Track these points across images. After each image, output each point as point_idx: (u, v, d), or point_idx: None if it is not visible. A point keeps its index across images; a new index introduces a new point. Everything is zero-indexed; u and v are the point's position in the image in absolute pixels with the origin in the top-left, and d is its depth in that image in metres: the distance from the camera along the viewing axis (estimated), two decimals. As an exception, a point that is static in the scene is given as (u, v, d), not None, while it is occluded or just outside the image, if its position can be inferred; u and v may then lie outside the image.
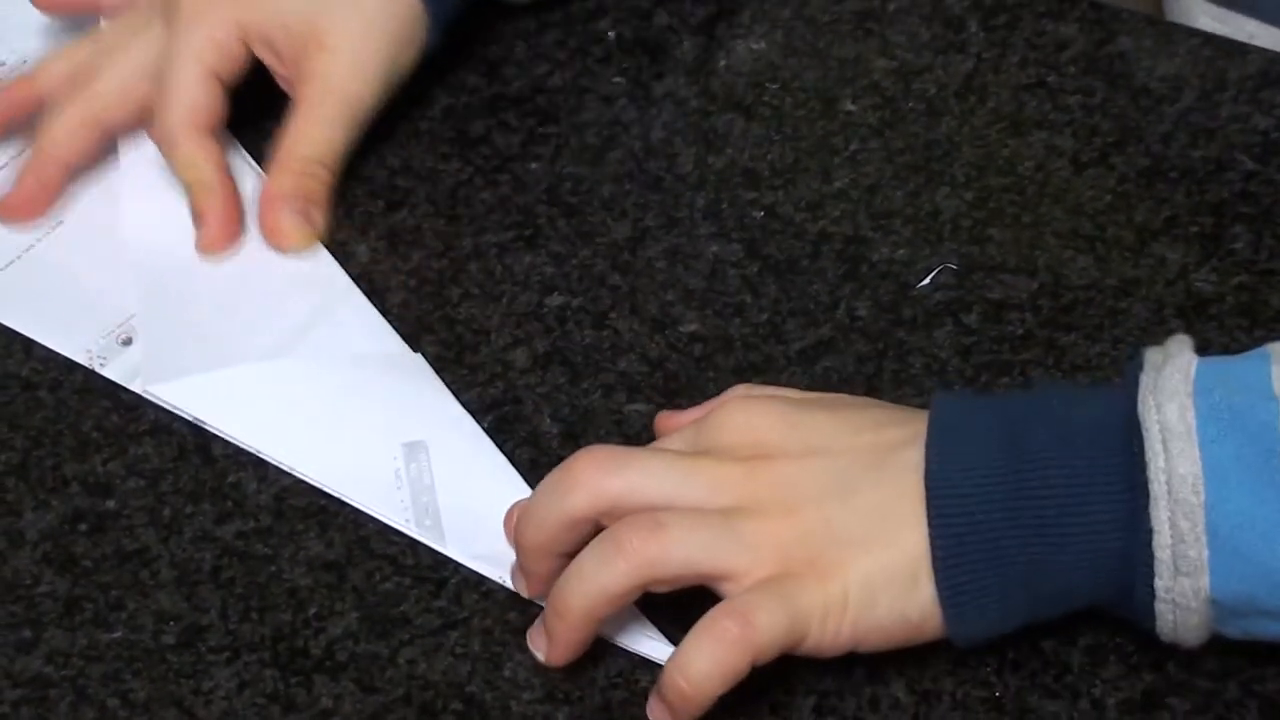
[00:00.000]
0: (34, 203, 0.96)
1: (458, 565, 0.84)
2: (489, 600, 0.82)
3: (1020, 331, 0.89)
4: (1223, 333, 0.88)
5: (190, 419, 0.88)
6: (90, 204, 0.97)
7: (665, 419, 0.86)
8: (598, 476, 0.78)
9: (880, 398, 0.87)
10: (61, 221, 0.96)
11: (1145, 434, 0.74)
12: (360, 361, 0.90)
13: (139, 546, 0.84)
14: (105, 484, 0.86)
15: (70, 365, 0.91)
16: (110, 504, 0.86)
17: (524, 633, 0.81)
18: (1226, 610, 0.75)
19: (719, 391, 0.86)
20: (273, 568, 0.83)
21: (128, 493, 0.86)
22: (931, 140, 0.98)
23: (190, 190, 0.95)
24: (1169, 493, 0.74)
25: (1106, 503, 0.75)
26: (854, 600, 0.76)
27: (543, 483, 0.80)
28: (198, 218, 0.95)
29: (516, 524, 0.80)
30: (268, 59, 0.98)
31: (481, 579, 0.83)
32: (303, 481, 0.87)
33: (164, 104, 0.96)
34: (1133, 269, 0.92)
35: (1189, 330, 0.87)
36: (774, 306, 0.91)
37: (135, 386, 0.89)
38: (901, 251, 0.93)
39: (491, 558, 0.83)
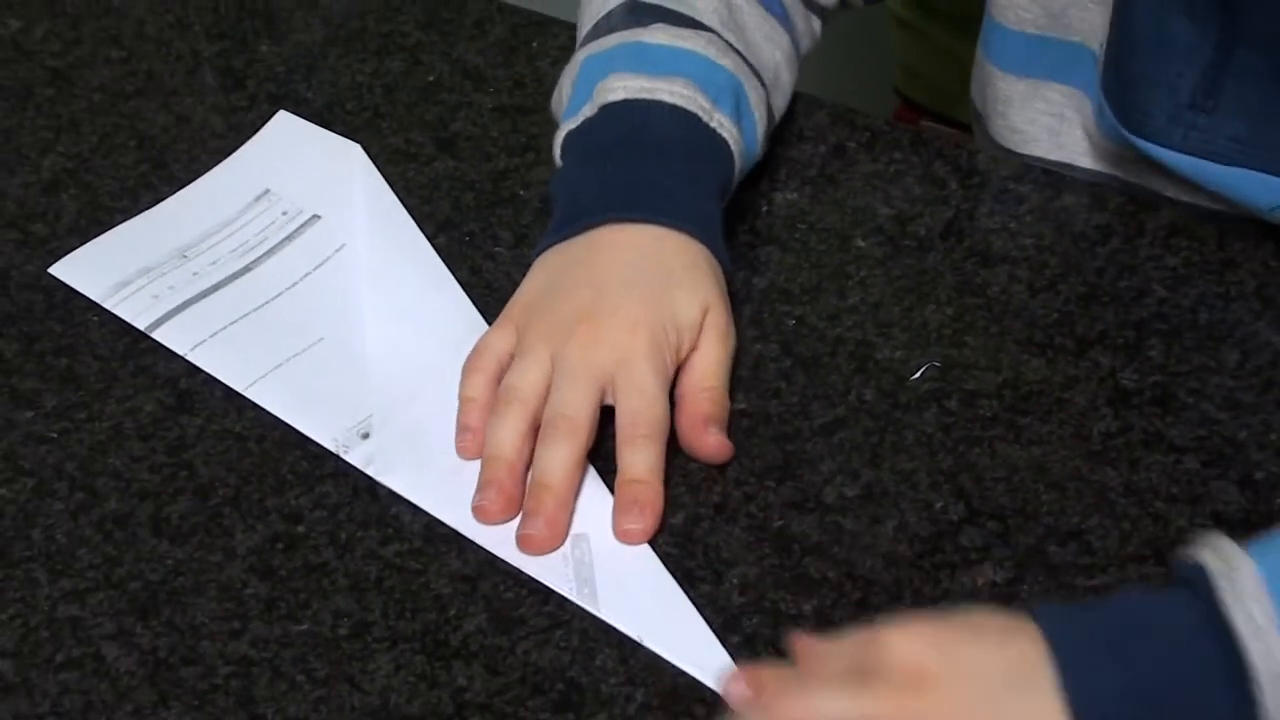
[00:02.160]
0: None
1: (562, 580, 0.84)
2: (585, 610, 0.82)
3: (989, 414, 0.89)
4: (1142, 418, 0.88)
5: (415, 504, 0.87)
6: (342, 328, 0.94)
7: (803, 643, 0.75)
8: (796, 706, 0.72)
9: (880, 463, 0.86)
10: (322, 338, 0.94)
11: (1239, 633, 0.69)
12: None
13: (321, 561, 0.84)
14: (297, 513, 0.87)
15: (271, 422, 0.90)
16: (300, 529, 0.86)
17: (612, 633, 0.81)
18: None
19: (764, 455, 0.87)
20: (422, 579, 0.83)
21: (314, 520, 0.86)
22: (922, 269, 0.97)
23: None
24: (1270, 669, 0.68)
25: (1219, 696, 0.69)
26: None
27: (737, 704, 0.74)
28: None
29: None
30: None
31: (580, 591, 0.84)
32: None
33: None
34: (1074, 369, 0.92)
35: (1115, 416, 0.89)
36: (802, 391, 0.91)
37: (370, 472, 0.88)
38: (899, 353, 0.93)
39: (635, 620, 0.82)
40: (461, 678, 0.80)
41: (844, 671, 0.72)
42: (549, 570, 0.83)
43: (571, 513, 0.85)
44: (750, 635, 0.80)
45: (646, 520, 0.84)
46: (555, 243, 0.90)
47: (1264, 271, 0.97)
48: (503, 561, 0.84)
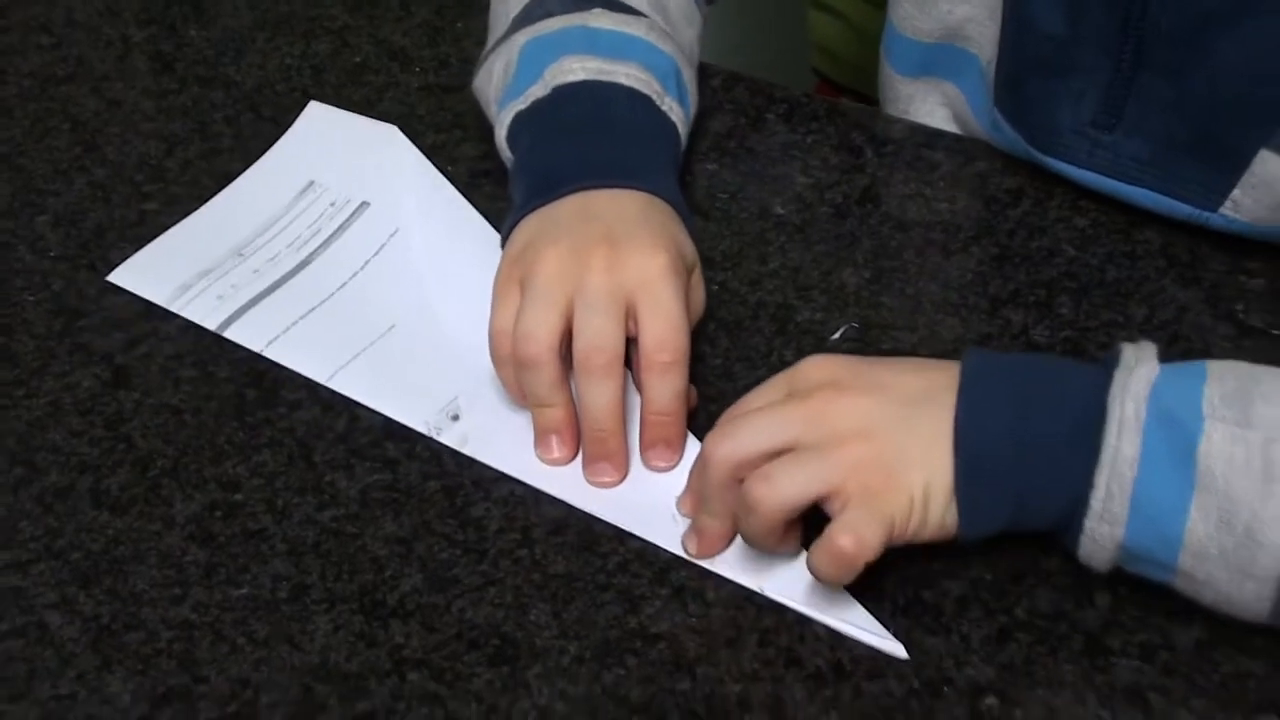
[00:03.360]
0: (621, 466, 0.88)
1: (497, 539, 0.85)
2: (518, 566, 0.83)
3: None
4: None
5: (500, 473, 0.88)
6: (411, 313, 0.95)
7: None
8: (724, 447, 0.79)
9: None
10: (394, 325, 0.94)
11: (1107, 419, 0.77)
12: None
13: (259, 527, 0.85)
14: (234, 482, 0.87)
15: (207, 394, 0.91)
16: (238, 496, 0.87)
17: (545, 589, 0.82)
18: (1128, 554, 0.78)
19: (690, 417, 0.88)
20: (359, 542, 0.84)
21: (251, 488, 0.87)
22: (839, 234, 0.99)
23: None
24: (1112, 464, 0.77)
25: (1077, 462, 0.77)
26: (917, 508, 0.78)
27: (705, 450, 0.81)
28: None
29: (689, 498, 0.84)
30: None
31: (514, 551, 0.85)
32: (381, 478, 0.87)
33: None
34: (988, 327, 0.94)
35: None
36: (725, 354, 0.93)
37: (466, 451, 0.89)
38: (819, 315, 0.94)
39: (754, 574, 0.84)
40: (399, 635, 0.81)
41: (774, 395, 0.81)
42: (660, 533, 0.85)
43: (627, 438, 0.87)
44: (679, 587, 0.82)
45: (673, 457, 0.87)
46: (536, 208, 0.91)
47: (1168, 230, 0.99)
48: (440, 521, 0.86)
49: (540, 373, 0.86)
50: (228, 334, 0.94)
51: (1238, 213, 0.95)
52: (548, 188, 0.91)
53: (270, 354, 0.93)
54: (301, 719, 0.78)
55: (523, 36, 0.97)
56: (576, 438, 0.88)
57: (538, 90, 0.95)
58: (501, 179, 1.02)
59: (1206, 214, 0.96)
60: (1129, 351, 0.80)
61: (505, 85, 0.97)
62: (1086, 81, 0.97)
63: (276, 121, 1.06)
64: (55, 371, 0.93)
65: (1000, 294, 0.96)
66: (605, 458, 0.86)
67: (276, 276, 0.97)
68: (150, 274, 0.97)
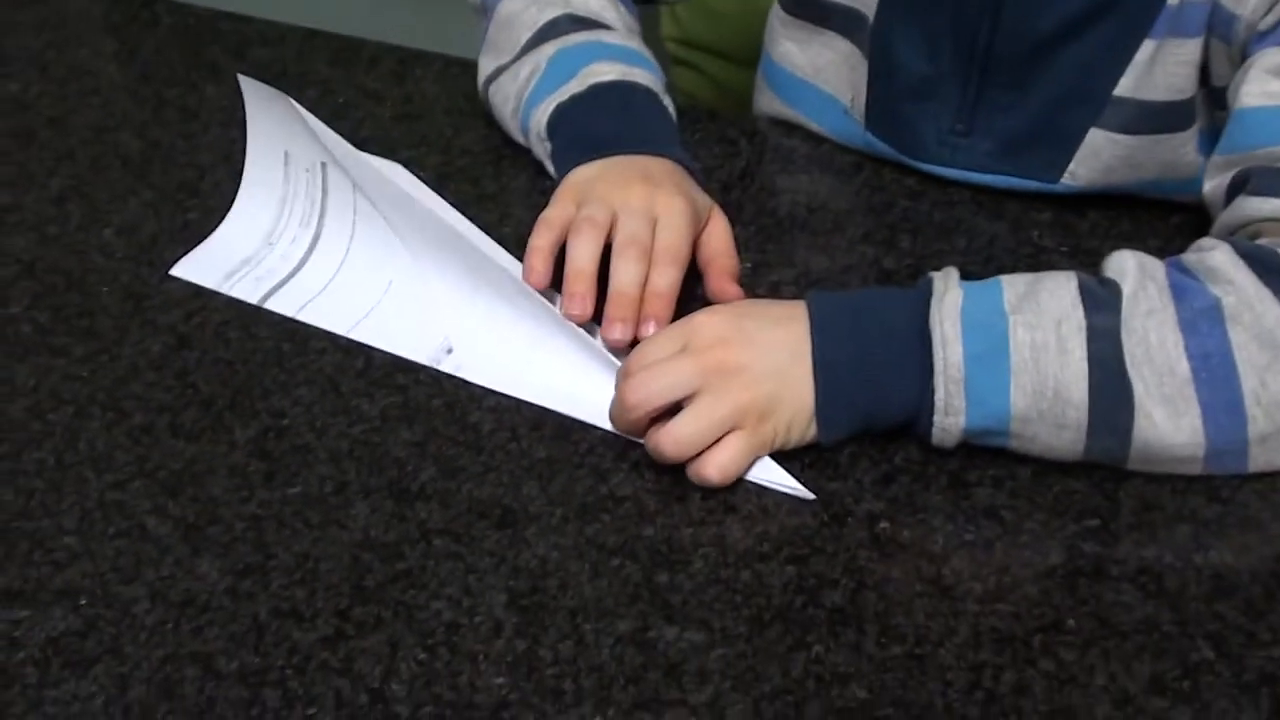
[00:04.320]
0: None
1: (491, 437, 0.85)
2: (509, 455, 0.83)
3: (789, 296, 0.90)
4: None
5: (488, 389, 0.87)
6: (401, 268, 0.93)
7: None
8: (636, 396, 0.80)
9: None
10: (391, 281, 0.93)
11: (933, 336, 0.79)
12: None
13: (304, 442, 0.85)
14: (280, 411, 0.87)
15: (252, 348, 0.90)
16: (285, 421, 0.86)
17: (533, 470, 0.82)
18: (970, 433, 0.79)
19: None
20: (383, 447, 0.84)
21: (295, 415, 0.86)
22: (727, 202, 0.98)
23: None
24: (944, 370, 0.78)
25: (913, 376, 0.79)
26: (781, 432, 0.80)
27: (612, 405, 0.82)
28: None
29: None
30: None
31: (505, 445, 0.85)
32: (395, 400, 0.87)
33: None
34: (847, 259, 0.95)
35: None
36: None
37: (462, 375, 0.88)
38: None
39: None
40: (423, 513, 0.81)
41: (667, 352, 0.81)
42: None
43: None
44: (636, 462, 0.82)
45: (657, 329, 0.86)
46: (589, 160, 0.93)
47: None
48: (445, 428, 0.85)
49: (589, 242, 0.87)
50: (268, 305, 0.93)
51: (1075, 180, 0.96)
52: (594, 150, 0.93)
53: (302, 318, 0.92)
54: (354, 579, 0.77)
55: (550, 47, 0.99)
56: (593, 300, 0.87)
57: (575, 86, 0.96)
58: (463, 178, 1.02)
59: (1050, 185, 0.97)
60: (938, 280, 0.81)
61: (534, 84, 0.98)
62: (945, 102, 0.98)
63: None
64: (131, 340, 0.92)
65: (855, 236, 0.97)
66: (622, 318, 0.86)
67: (299, 257, 0.96)
68: (204, 266, 0.96)
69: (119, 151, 1.06)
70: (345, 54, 1.14)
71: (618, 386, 0.82)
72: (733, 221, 0.97)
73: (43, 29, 1.18)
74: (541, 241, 0.89)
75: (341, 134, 1.03)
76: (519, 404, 0.86)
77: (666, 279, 0.87)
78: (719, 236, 0.91)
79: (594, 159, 0.93)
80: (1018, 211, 0.98)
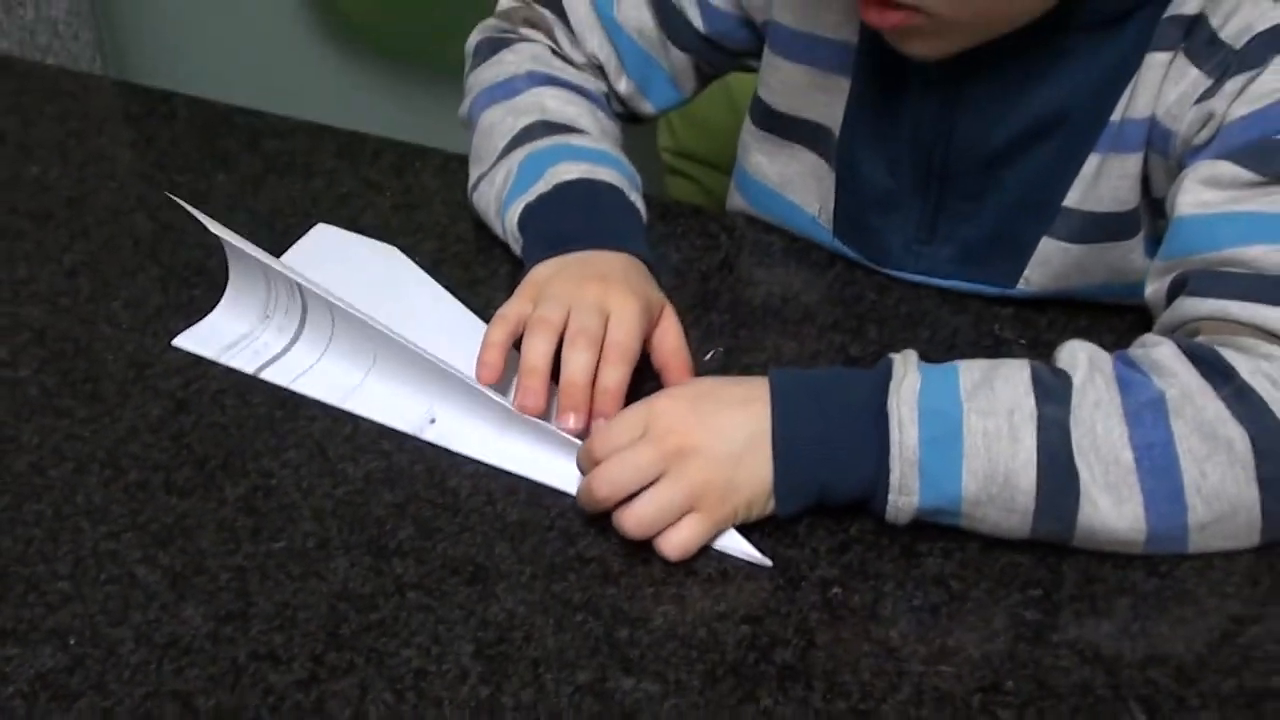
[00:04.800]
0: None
1: (468, 501, 0.88)
2: (484, 518, 0.87)
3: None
4: None
5: (468, 458, 0.91)
6: (386, 347, 0.95)
7: (597, 425, 0.89)
8: (603, 491, 0.84)
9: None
10: (375, 359, 0.96)
11: (889, 419, 0.82)
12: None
13: (290, 501, 0.88)
14: (269, 471, 0.90)
15: (245, 416, 0.94)
16: (274, 481, 0.90)
17: (505, 532, 0.86)
18: (923, 512, 0.82)
19: None
20: (365, 507, 0.88)
21: (283, 476, 0.90)
22: (705, 291, 1.04)
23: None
24: (900, 453, 0.81)
25: (870, 454, 0.82)
26: (741, 510, 0.84)
27: (581, 490, 0.85)
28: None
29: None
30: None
31: (481, 508, 0.89)
32: (379, 464, 0.90)
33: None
34: (816, 345, 0.99)
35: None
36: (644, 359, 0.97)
37: (444, 445, 0.91)
38: (695, 344, 0.97)
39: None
40: (399, 568, 0.84)
41: (629, 438, 0.84)
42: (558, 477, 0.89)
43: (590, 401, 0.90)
44: (605, 527, 0.85)
45: (580, 423, 0.90)
46: (552, 256, 0.97)
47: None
48: (425, 491, 0.89)
49: (542, 341, 0.91)
50: (263, 376, 0.97)
51: (1029, 286, 1.01)
52: (557, 245, 0.97)
53: (295, 388, 0.96)
54: (330, 627, 0.81)
55: (521, 153, 1.03)
56: (546, 396, 0.90)
57: (541, 187, 1.01)
58: (456, 263, 1.06)
59: (1008, 290, 1.01)
60: (897, 363, 0.84)
61: (509, 188, 1.03)
62: (907, 213, 1.02)
63: (286, 234, 1.10)
64: (132, 405, 0.96)
65: (824, 324, 1.01)
66: (573, 409, 0.89)
67: (293, 332, 0.99)
68: (205, 338, 1.00)
69: (131, 231, 1.11)
70: (351, 147, 1.19)
71: (584, 471, 0.86)
72: (709, 309, 1.02)
73: (66, 119, 1.24)
74: (496, 337, 0.93)
75: (342, 221, 1.09)
76: (496, 471, 0.90)
77: (615, 376, 0.90)
78: (672, 336, 0.95)
79: (557, 254, 0.97)
80: (980, 306, 1.02)
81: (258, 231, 1.10)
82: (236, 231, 0.99)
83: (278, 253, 1.05)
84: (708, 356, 0.98)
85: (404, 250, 1.07)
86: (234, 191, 1.15)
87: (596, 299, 0.92)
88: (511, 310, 0.94)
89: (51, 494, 0.89)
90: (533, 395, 0.90)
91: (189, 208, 0.98)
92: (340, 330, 0.97)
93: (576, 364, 0.90)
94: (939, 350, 0.98)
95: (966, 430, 0.81)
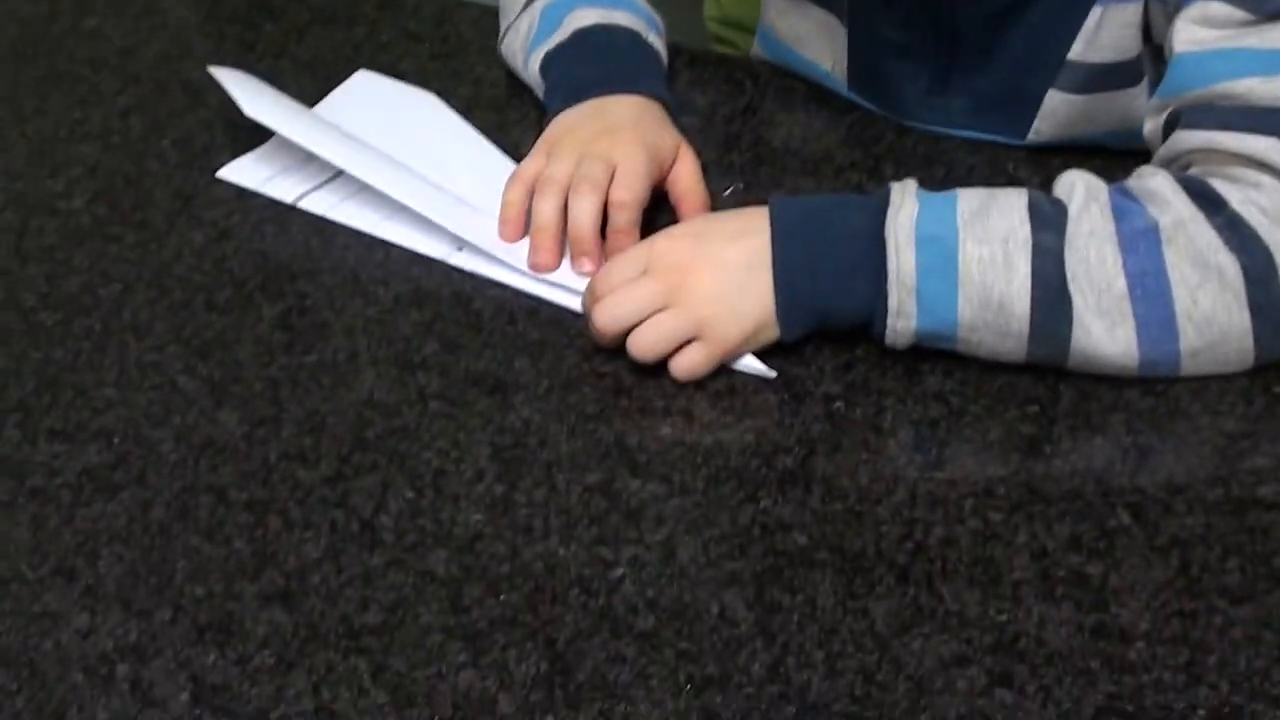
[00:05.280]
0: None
1: (492, 321, 0.92)
2: (506, 337, 0.89)
3: None
4: None
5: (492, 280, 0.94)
6: (419, 180, 1.00)
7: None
8: (605, 317, 0.86)
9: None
10: (411, 190, 0.98)
11: (887, 245, 0.83)
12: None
13: (323, 319, 0.92)
14: (304, 292, 0.94)
15: (285, 243, 0.98)
16: (308, 301, 0.93)
17: (526, 350, 0.89)
18: (920, 336, 0.85)
19: None
20: (393, 325, 0.90)
21: (316, 296, 0.93)
22: (729, 133, 1.06)
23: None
24: (897, 277, 0.83)
25: (868, 279, 0.84)
26: (746, 338, 0.86)
27: (589, 319, 0.87)
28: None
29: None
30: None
31: (503, 328, 0.92)
32: (408, 288, 0.93)
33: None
34: (833, 185, 1.01)
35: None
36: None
37: (470, 269, 0.95)
38: (713, 185, 1.00)
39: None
40: (423, 379, 0.88)
41: (630, 274, 0.87)
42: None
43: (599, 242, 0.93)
44: (622, 344, 0.89)
45: (590, 266, 0.93)
46: (565, 108, 1.00)
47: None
48: (450, 312, 0.93)
49: (551, 196, 0.94)
50: (301, 205, 1.00)
51: (1039, 136, 1.02)
52: (574, 95, 1.00)
53: (331, 216, 0.99)
54: (355, 432, 0.85)
55: (541, 3, 1.06)
56: (560, 250, 0.94)
57: (559, 35, 1.03)
58: (489, 108, 1.09)
59: (1019, 140, 1.03)
60: (895, 190, 0.85)
61: (531, 37, 1.05)
62: (920, 67, 1.04)
63: (329, 80, 1.13)
64: (177, 232, 0.99)
65: (843, 163, 1.03)
66: (584, 254, 0.93)
67: (331, 169, 1.02)
68: (246, 172, 1.04)
69: (180, 77, 1.14)
70: (392, 1, 1.22)
71: (586, 307, 0.89)
72: (730, 150, 1.04)
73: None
74: (513, 195, 0.96)
75: (382, 69, 1.12)
76: (519, 294, 0.93)
77: (624, 217, 0.93)
78: (687, 174, 0.98)
79: (573, 103, 1.00)
80: (995, 149, 1.03)
81: (301, 77, 1.13)
82: (281, 77, 1.02)
83: (320, 97, 1.08)
84: (727, 192, 1.00)
85: (439, 96, 1.09)
86: (280, 40, 1.18)
87: (603, 151, 0.95)
88: (527, 169, 0.98)
89: (100, 311, 0.94)
90: (544, 252, 0.93)
91: (224, 82, 1.03)
92: (377, 165, 1.01)
93: (579, 209, 0.93)
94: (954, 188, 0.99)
95: (962, 256, 0.83)
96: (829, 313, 0.86)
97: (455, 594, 0.76)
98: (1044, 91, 1.00)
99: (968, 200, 0.85)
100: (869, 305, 0.85)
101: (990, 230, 0.83)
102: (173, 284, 0.95)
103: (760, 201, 0.94)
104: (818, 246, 0.85)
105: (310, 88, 1.12)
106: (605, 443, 0.83)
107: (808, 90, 1.10)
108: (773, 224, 0.86)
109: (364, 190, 0.99)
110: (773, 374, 0.86)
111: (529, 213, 0.95)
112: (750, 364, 0.87)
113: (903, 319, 0.84)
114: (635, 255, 0.88)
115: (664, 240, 0.89)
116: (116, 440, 0.85)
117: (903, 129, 1.06)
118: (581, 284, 0.92)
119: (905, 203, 0.85)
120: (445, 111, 1.08)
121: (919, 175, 0.96)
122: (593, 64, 1.02)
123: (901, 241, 0.83)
